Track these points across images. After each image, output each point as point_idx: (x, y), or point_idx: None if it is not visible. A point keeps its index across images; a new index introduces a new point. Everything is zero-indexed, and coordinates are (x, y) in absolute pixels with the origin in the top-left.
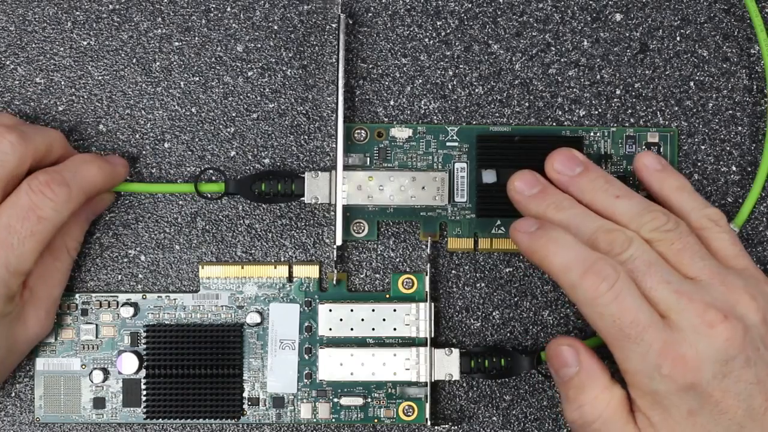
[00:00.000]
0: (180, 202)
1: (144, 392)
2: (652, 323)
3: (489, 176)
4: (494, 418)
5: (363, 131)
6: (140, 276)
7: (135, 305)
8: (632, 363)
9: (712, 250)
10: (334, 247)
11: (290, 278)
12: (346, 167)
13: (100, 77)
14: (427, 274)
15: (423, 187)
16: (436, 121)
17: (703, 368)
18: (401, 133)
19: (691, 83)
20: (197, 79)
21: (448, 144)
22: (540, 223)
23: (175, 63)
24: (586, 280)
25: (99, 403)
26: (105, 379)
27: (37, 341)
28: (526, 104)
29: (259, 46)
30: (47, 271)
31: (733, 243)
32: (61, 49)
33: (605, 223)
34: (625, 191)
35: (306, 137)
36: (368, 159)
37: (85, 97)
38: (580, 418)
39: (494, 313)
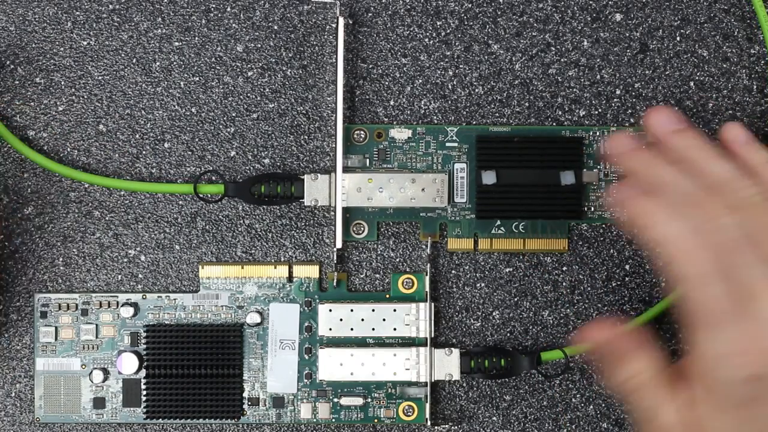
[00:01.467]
0: (180, 202)
1: (144, 392)
2: (733, 313)
3: (489, 177)
4: (494, 418)
5: (362, 132)
6: (140, 276)
7: (135, 305)
8: (706, 347)
9: None
10: (334, 249)
11: (290, 278)
12: (346, 169)
13: (100, 77)
14: (427, 274)
15: (423, 189)
16: (436, 121)
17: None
18: (401, 134)
19: (691, 83)
20: (197, 79)
21: (447, 145)
22: (645, 186)
23: (175, 63)
24: (685, 257)
25: (99, 403)
26: (105, 379)
27: None
28: (526, 104)
29: (259, 46)
30: None
31: None
32: (61, 49)
33: (732, 176)
34: (721, 155)
35: (306, 137)
36: (368, 160)
37: (85, 97)
38: (617, 389)
39: (494, 313)
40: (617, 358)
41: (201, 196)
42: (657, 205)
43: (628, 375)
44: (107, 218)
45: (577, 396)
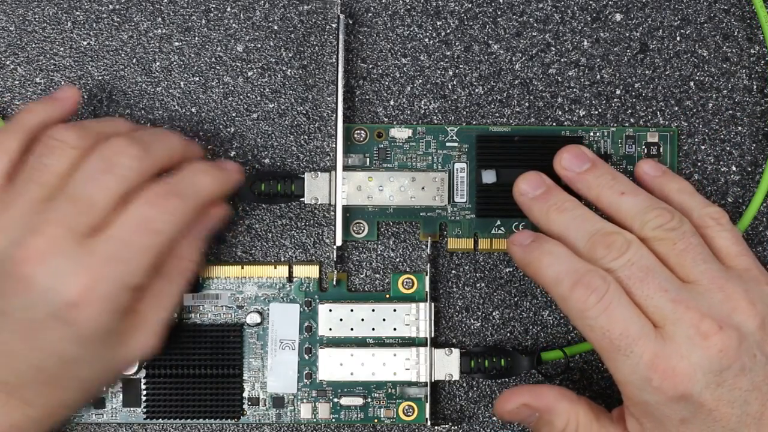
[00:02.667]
0: None
1: (144, 392)
2: (643, 335)
3: (489, 176)
4: (494, 418)
5: (363, 131)
6: None
7: None
8: (623, 374)
9: (714, 249)
10: (334, 247)
11: (290, 278)
12: (346, 168)
13: (100, 77)
14: (427, 274)
15: (423, 188)
16: (436, 121)
17: (695, 379)
18: (401, 133)
19: (691, 83)
20: (197, 79)
21: (447, 144)
22: (535, 236)
23: (175, 63)
24: (575, 292)
25: (99, 403)
26: None
27: (136, 362)
28: (526, 104)
29: (259, 46)
30: (158, 294)
31: (736, 242)
32: (61, 49)
33: (605, 225)
34: (630, 188)
35: (306, 137)
36: (368, 159)
37: (85, 97)
38: None
39: (494, 313)
40: (545, 414)
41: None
42: (542, 253)
43: (561, 425)
44: None
45: None
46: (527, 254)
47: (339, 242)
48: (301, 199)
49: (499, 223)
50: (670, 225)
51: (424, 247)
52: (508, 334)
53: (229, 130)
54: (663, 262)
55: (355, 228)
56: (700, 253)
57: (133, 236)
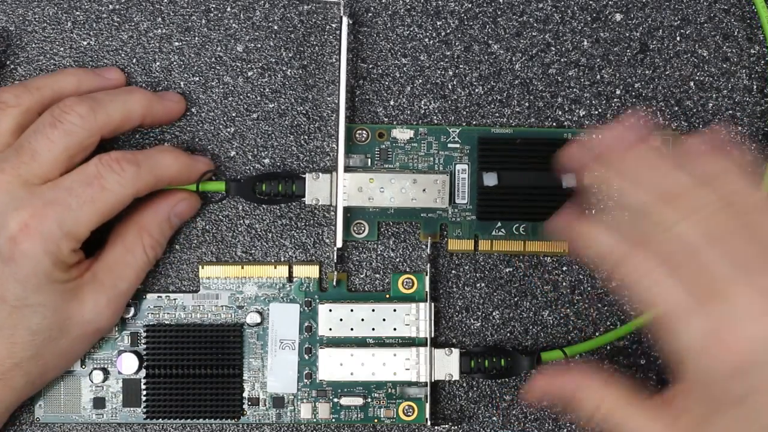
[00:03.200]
0: None
1: (144, 392)
2: (698, 307)
3: (490, 179)
4: (494, 418)
5: (364, 132)
6: None
7: (135, 305)
8: (679, 344)
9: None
10: (335, 248)
11: (290, 278)
12: (347, 168)
13: None
14: (427, 274)
15: (424, 189)
16: (436, 121)
17: (755, 352)
18: (402, 134)
19: (691, 83)
20: (197, 79)
21: (449, 146)
22: (582, 214)
23: (175, 63)
24: (627, 263)
25: (99, 403)
26: (105, 379)
27: (94, 332)
28: (526, 104)
29: (259, 46)
30: (116, 261)
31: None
32: (61, 49)
33: (687, 186)
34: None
35: (306, 137)
36: (369, 160)
37: None
38: (597, 428)
39: (494, 313)
40: (574, 397)
41: (203, 194)
42: (591, 223)
43: (591, 408)
44: None
45: None
46: (575, 227)
47: (339, 243)
48: (302, 199)
49: (499, 225)
50: (719, 202)
51: (424, 247)
52: (508, 334)
53: (229, 130)
54: (721, 240)
55: (355, 228)
56: (751, 234)
57: (79, 187)
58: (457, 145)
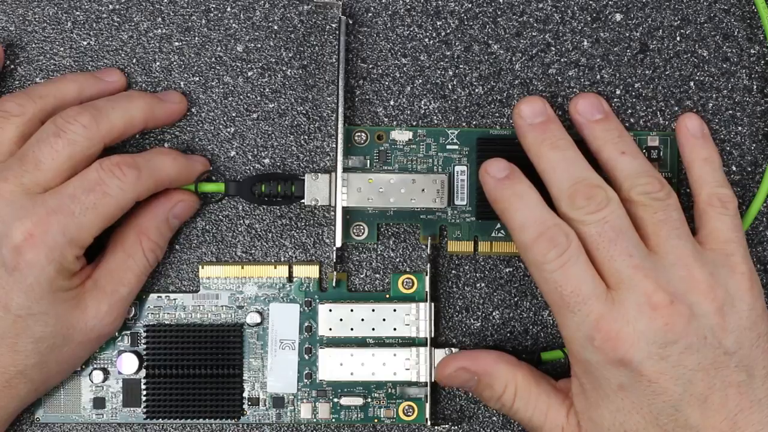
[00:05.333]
0: None
1: (144, 392)
2: (594, 295)
3: None
4: (494, 418)
5: (363, 134)
6: None
7: (135, 305)
8: (568, 330)
9: (707, 230)
10: (334, 249)
11: (290, 278)
12: (346, 169)
13: None
14: (427, 274)
15: (423, 190)
16: (436, 121)
17: (636, 347)
18: (401, 135)
19: (691, 83)
20: (197, 79)
21: (448, 147)
22: (510, 169)
23: (175, 63)
24: (537, 244)
25: (99, 403)
26: (105, 379)
27: (97, 338)
28: None
29: (259, 46)
30: (117, 266)
31: (732, 228)
32: (61, 49)
33: (592, 175)
34: (632, 149)
35: (306, 137)
36: (368, 161)
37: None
38: (503, 409)
39: (494, 313)
40: (484, 377)
41: (202, 194)
42: (514, 194)
43: (500, 388)
44: None
45: None
46: (499, 190)
47: (339, 243)
48: (302, 200)
49: (499, 226)
50: (656, 194)
51: (423, 247)
52: (508, 334)
53: (229, 130)
54: (637, 227)
55: (355, 231)
56: (676, 229)
57: (82, 193)
58: (456, 147)
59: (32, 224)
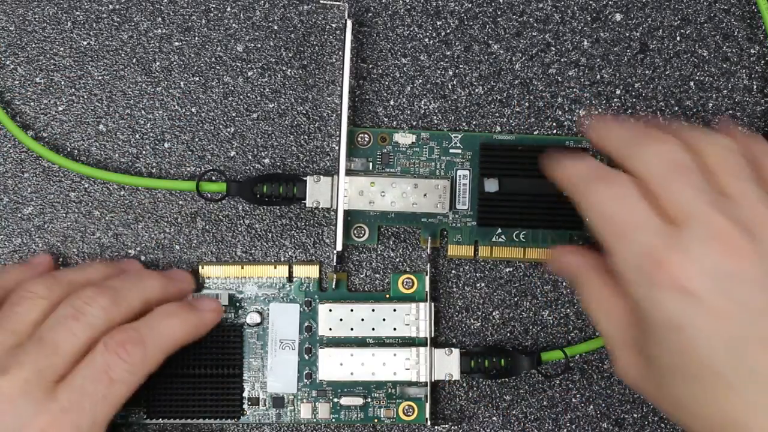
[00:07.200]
0: (180, 203)
1: (144, 392)
2: (651, 225)
3: (491, 185)
4: (494, 418)
5: (366, 136)
6: None
7: None
8: (622, 266)
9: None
10: (335, 252)
11: (290, 278)
12: (348, 172)
13: (100, 77)
14: (427, 274)
15: (425, 194)
16: (436, 121)
17: (699, 277)
18: (404, 138)
19: (691, 83)
20: (197, 79)
21: (451, 151)
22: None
23: (175, 63)
24: (592, 185)
25: None
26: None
27: None
28: (526, 104)
29: (259, 46)
30: None
31: None
32: (61, 49)
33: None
34: None
35: (306, 137)
36: (371, 164)
37: (85, 97)
38: (584, 307)
39: (494, 313)
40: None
41: (203, 194)
42: (567, 157)
43: (578, 291)
44: (107, 218)
45: (577, 396)
46: (556, 163)
47: (339, 247)
48: (303, 202)
49: (499, 231)
50: (728, 146)
51: (423, 248)
52: (508, 335)
53: (229, 130)
54: (708, 172)
55: (355, 232)
56: (745, 173)
57: (91, 385)
58: (459, 151)
59: (46, 423)
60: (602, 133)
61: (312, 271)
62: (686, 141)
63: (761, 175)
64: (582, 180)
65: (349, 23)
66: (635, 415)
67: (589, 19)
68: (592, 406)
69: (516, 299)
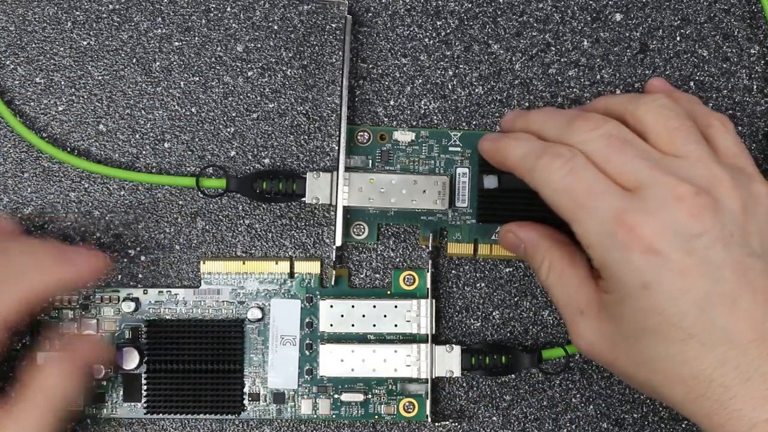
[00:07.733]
0: (180, 202)
1: (144, 387)
2: (611, 192)
3: (490, 182)
4: (494, 418)
5: (366, 133)
6: (140, 276)
7: (136, 300)
8: (587, 232)
9: (713, 146)
10: (334, 247)
11: (291, 274)
12: (348, 169)
13: (100, 77)
14: (428, 271)
15: (424, 191)
16: (436, 121)
17: (663, 236)
18: (404, 136)
19: (691, 83)
20: (197, 79)
21: (450, 149)
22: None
23: (175, 63)
24: (540, 161)
25: (99, 398)
26: (105, 373)
27: None
28: (526, 104)
29: (259, 46)
30: None
31: (736, 144)
32: (61, 49)
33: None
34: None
35: (306, 137)
36: (370, 161)
37: (85, 97)
38: (541, 281)
39: (494, 313)
40: (525, 252)
41: (203, 190)
42: (510, 139)
43: (538, 263)
44: (107, 218)
45: (577, 396)
46: (495, 143)
47: (339, 242)
48: (302, 198)
49: (499, 228)
50: (668, 106)
51: (423, 247)
52: (508, 334)
53: (229, 130)
54: (652, 137)
55: (355, 230)
56: (693, 134)
57: None
58: (458, 149)
59: None
60: (530, 126)
61: (313, 267)
62: (617, 111)
63: (707, 135)
64: (527, 158)
65: (349, 19)
66: (635, 415)
67: (589, 19)
68: (592, 406)
69: (516, 299)
